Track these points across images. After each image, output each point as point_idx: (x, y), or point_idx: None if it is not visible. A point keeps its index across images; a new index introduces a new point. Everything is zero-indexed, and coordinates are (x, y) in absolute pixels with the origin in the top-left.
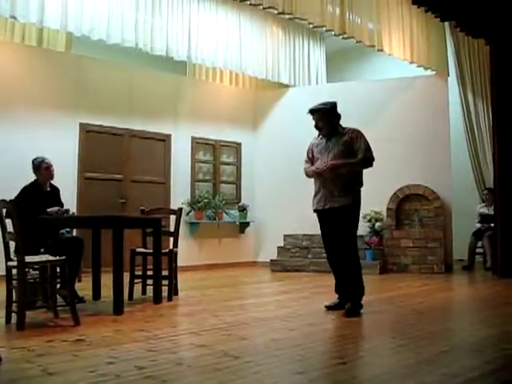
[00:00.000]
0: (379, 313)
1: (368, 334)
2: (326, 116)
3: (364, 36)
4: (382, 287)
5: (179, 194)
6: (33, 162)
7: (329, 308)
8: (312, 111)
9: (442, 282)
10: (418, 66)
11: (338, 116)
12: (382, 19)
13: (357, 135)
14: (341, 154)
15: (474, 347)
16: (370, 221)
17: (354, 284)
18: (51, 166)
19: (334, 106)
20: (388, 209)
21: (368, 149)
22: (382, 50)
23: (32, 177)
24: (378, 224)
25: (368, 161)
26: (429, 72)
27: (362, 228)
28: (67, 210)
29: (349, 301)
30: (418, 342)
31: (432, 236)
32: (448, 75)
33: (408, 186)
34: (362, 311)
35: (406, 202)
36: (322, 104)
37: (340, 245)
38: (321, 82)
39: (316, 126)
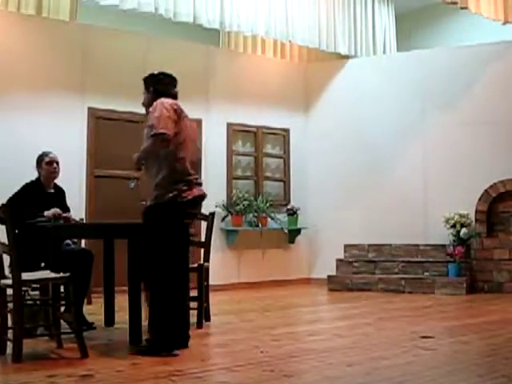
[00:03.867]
0: (464, 344)
1: (449, 371)
2: (145, 88)
3: None
4: (469, 311)
5: (212, 195)
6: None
7: None
8: None
9: None
10: None
11: (155, 91)
12: None
13: (150, 110)
14: (145, 138)
15: None
16: (453, 226)
17: (154, 316)
18: (56, 161)
19: (154, 76)
20: (477, 211)
21: (152, 124)
22: (466, 8)
23: (32, 172)
24: (463, 230)
25: (153, 140)
26: None
27: (445, 236)
28: (67, 218)
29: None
30: None
31: None
32: None
33: (503, 181)
34: (175, 352)
35: (501, 203)
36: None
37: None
38: (389, 51)
39: None
